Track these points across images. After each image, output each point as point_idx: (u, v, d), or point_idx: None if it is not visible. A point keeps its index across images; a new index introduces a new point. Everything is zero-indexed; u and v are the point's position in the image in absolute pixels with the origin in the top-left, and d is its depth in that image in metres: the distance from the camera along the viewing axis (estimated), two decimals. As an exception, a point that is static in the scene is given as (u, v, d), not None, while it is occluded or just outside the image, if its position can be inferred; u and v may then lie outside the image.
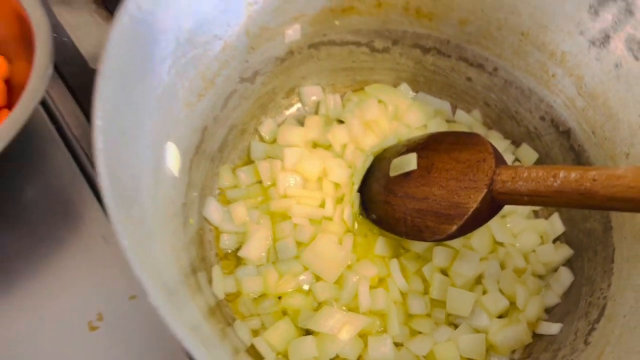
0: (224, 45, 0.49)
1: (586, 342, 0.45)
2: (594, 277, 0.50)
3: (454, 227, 0.46)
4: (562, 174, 0.41)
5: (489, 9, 0.54)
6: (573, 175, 0.40)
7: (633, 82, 0.47)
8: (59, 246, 0.55)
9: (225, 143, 0.56)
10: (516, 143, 0.60)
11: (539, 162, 0.58)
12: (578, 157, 0.54)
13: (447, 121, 0.62)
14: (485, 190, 0.45)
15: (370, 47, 0.60)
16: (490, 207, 0.46)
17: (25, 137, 0.47)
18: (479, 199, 0.45)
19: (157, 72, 0.41)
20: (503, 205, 0.47)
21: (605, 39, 0.49)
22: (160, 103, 0.42)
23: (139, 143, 0.39)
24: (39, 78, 0.48)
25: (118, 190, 0.33)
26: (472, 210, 0.45)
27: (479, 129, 0.61)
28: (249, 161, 0.58)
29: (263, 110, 0.59)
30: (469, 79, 0.60)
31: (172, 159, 0.45)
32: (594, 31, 0.49)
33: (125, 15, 0.37)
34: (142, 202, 0.38)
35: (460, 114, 0.62)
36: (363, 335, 0.49)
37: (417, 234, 0.50)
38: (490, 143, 0.48)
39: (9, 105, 0.54)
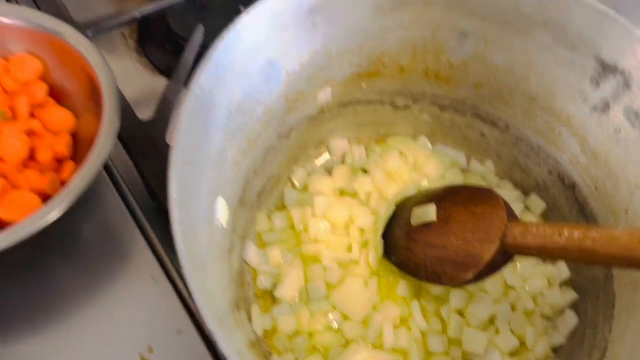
0: (265, 109, 0.56)
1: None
2: (597, 321, 0.55)
3: (470, 275, 0.52)
4: (566, 232, 0.47)
5: (502, 76, 0.60)
6: (576, 234, 0.46)
7: (631, 146, 0.53)
8: (112, 282, 0.61)
9: (263, 191, 0.62)
10: (526, 193, 0.66)
11: (546, 211, 0.64)
12: (582, 210, 0.59)
13: (463, 171, 0.68)
14: (499, 244, 0.51)
15: (393, 105, 0.66)
16: (502, 258, 0.52)
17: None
18: (493, 251, 0.51)
19: (213, 141, 0.47)
20: (514, 256, 0.53)
21: (606, 107, 0.55)
22: (215, 167, 0.48)
23: (198, 202, 0.45)
24: (107, 134, 0.54)
25: (185, 240, 0.40)
26: (486, 261, 0.51)
27: (492, 179, 0.67)
28: (282, 207, 0.64)
29: (295, 161, 0.65)
30: (482, 134, 0.66)
31: (222, 212, 0.51)
32: (596, 100, 0.55)
33: (192, 96, 0.43)
34: (200, 247, 0.44)
35: (475, 164, 0.68)
36: (388, 371, 0.55)
37: (436, 279, 0.56)
38: (502, 199, 0.54)
39: (74, 157, 0.60)
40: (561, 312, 0.59)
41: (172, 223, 0.39)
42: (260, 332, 0.55)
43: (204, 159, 0.46)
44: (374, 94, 0.64)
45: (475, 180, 0.67)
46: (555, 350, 0.57)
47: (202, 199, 0.46)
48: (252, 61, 0.52)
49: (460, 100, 0.64)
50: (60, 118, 0.61)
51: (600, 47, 0.53)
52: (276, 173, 0.63)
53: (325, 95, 0.61)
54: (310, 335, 0.56)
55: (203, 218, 0.47)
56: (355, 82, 0.62)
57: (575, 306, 0.59)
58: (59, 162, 0.60)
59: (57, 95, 0.63)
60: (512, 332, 0.57)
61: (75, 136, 0.61)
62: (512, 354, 0.56)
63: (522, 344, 0.57)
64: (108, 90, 0.56)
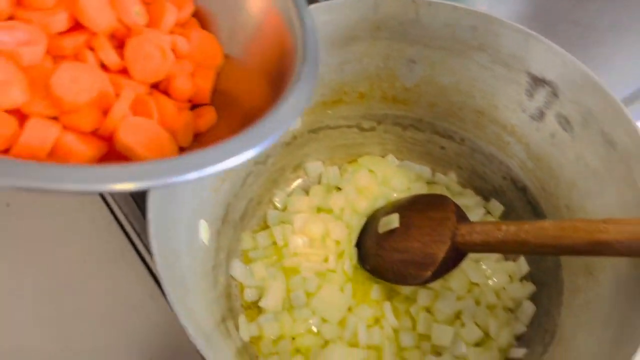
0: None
1: (541, 362, 0.56)
2: (550, 308, 0.60)
3: (429, 273, 0.58)
4: (504, 227, 0.53)
5: (450, 94, 0.67)
6: (512, 228, 0.52)
7: (565, 148, 0.59)
8: (112, 300, 0.67)
9: (246, 213, 0.69)
10: (486, 198, 0.72)
11: (504, 213, 0.70)
12: (534, 209, 0.65)
13: (428, 183, 0.74)
14: (450, 243, 0.57)
15: (359, 127, 0.73)
16: (455, 255, 0.58)
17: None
18: (445, 249, 0.57)
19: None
20: (467, 253, 0.59)
21: (541, 115, 0.61)
22: (194, 192, 0.56)
23: (179, 224, 0.53)
24: (307, 74, 0.40)
25: (165, 261, 0.46)
26: (440, 259, 0.57)
27: (455, 188, 0.74)
28: (265, 226, 0.71)
29: (275, 184, 0.72)
30: (442, 147, 0.73)
31: (203, 232, 0.58)
32: (532, 109, 0.62)
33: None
34: (181, 267, 0.51)
35: (439, 176, 0.75)
36: (363, 367, 0.60)
37: (403, 280, 0.62)
38: (454, 203, 0.60)
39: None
40: (521, 303, 0.64)
41: (153, 254, 0.45)
42: (247, 338, 0.61)
43: (184, 187, 0.53)
44: (341, 119, 0.72)
45: (440, 190, 0.73)
46: (518, 337, 0.63)
47: (183, 222, 0.53)
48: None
49: (418, 118, 0.71)
50: (209, 47, 0.47)
51: (529, 63, 0.59)
52: (257, 195, 0.70)
53: (295, 123, 0.69)
54: (293, 338, 0.62)
55: (186, 240, 0.54)
56: (322, 109, 0.69)
57: (532, 296, 0.64)
58: (193, 106, 0.46)
59: (202, 20, 0.49)
60: (477, 324, 0.63)
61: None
62: (477, 344, 0.62)
63: (487, 334, 0.62)
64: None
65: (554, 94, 0.59)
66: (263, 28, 0.45)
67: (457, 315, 0.64)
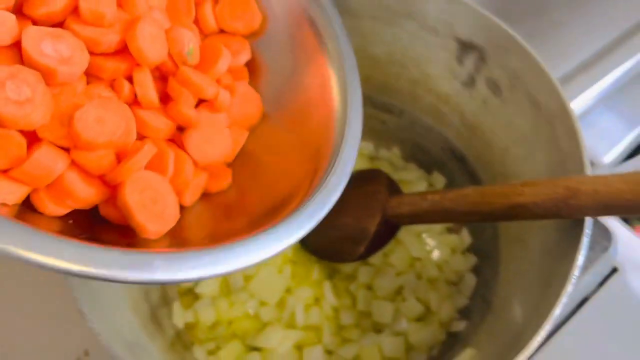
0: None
1: (477, 333, 0.55)
2: (488, 278, 0.59)
3: (362, 248, 0.57)
4: (429, 197, 0.52)
5: (385, 66, 0.65)
6: (437, 197, 0.51)
7: (496, 113, 0.58)
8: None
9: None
10: (429, 171, 0.70)
11: (446, 185, 0.68)
12: (472, 178, 0.64)
13: (372, 158, 0.73)
14: (380, 216, 0.55)
15: (297, 105, 0.71)
16: (388, 228, 0.57)
17: None
18: (376, 223, 0.56)
19: None
20: (399, 226, 0.58)
21: (472, 81, 0.60)
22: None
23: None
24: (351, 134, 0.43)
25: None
26: (372, 233, 0.56)
27: (399, 163, 0.72)
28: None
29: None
30: (383, 122, 0.71)
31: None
32: (463, 76, 0.60)
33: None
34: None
35: (382, 152, 0.73)
36: (302, 347, 0.59)
37: (340, 257, 0.60)
38: (387, 176, 0.59)
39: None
40: (463, 275, 0.63)
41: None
42: (181, 325, 0.59)
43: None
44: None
45: (383, 166, 0.72)
46: (461, 311, 0.62)
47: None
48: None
49: (355, 93, 0.69)
50: (251, 107, 0.43)
51: (456, 28, 0.58)
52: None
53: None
54: (229, 323, 0.61)
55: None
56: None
57: (475, 268, 0.63)
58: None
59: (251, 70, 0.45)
60: (418, 299, 0.61)
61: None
62: (418, 319, 0.61)
63: (428, 309, 0.61)
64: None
65: (482, 58, 0.57)
66: (312, 97, 0.43)
67: (398, 291, 0.62)
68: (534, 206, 0.43)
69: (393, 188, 0.58)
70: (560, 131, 0.49)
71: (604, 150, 0.75)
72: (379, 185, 0.58)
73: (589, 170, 0.45)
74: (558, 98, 0.49)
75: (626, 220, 0.69)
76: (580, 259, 0.42)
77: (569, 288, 0.41)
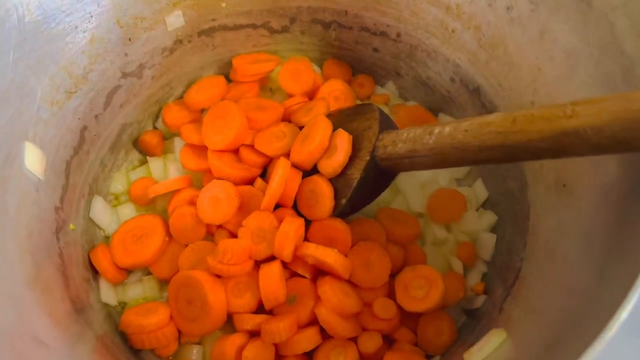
0: (92, 38, 0.47)
1: (500, 310, 0.41)
2: (513, 240, 0.45)
3: (343, 201, 0.43)
4: (437, 129, 0.38)
5: (376, -30, 0.51)
6: (447, 129, 0.37)
7: (525, 22, 0.44)
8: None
9: (118, 143, 0.53)
10: (434, 111, 0.56)
11: (456, 126, 0.54)
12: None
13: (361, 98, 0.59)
14: (368, 158, 0.41)
15: (268, 28, 0.57)
16: (379, 176, 0.43)
17: None
18: (362, 167, 0.42)
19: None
20: (395, 174, 0.44)
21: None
22: (9, 103, 0.39)
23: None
24: None
25: None
26: (357, 181, 0.42)
27: (396, 102, 0.58)
28: (146, 161, 0.55)
29: (158, 105, 0.56)
30: (375, 49, 0.57)
31: (33, 159, 0.42)
32: (481, -25, 0.46)
33: None
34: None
35: (376, 88, 0.59)
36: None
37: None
38: (380, 110, 0.45)
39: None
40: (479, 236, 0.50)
41: None
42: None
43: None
44: (240, 16, 0.55)
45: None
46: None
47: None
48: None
49: (341, 11, 0.55)
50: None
51: None
52: (134, 120, 0.54)
53: (175, 19, 0.52)
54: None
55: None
56: (211, 0, 0.53)
57: (493, 229, 0.50)
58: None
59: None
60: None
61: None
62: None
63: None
64: None
65: (508, -54, 0.43)
66: None
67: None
68: (592, 132, 0.29)
69: (387, 124, 0.44)
70: (623, 28, 0.35)
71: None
72: (371, 120, 0.44)
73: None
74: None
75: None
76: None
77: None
